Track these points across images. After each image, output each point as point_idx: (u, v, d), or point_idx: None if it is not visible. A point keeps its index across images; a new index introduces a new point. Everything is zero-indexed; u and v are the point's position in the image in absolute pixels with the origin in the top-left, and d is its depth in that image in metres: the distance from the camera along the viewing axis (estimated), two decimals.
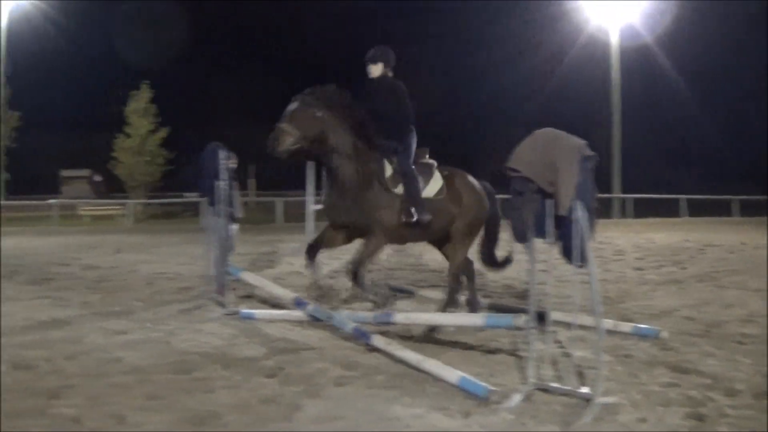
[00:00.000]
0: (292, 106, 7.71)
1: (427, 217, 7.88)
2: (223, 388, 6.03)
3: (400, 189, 7.94)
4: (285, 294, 9.27)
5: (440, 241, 8.93)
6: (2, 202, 42.13)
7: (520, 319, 6.25)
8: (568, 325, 7.60)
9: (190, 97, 62.88)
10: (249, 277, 10.24)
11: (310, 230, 17.24)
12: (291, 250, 18.14)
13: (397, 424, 5.17)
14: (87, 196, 52.94)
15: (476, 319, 7.44)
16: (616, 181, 45.20)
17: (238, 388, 6.06)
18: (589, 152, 5.59)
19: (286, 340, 7.69)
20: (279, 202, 36.82)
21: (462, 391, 5.76)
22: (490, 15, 73.48)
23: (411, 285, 11.46)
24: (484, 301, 9.64)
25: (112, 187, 52.83)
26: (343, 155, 7.83)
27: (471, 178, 8.90)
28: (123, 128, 47.56)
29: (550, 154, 5.61)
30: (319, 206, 20.81)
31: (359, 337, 7.45)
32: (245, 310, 9.15)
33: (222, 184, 9.64)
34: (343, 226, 8.15)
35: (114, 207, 42.65)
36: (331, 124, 7.78)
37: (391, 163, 8.06)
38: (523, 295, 9.17)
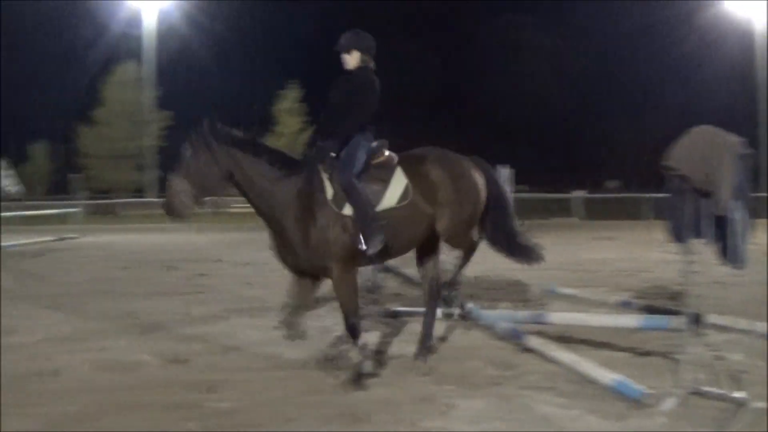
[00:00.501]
0: (182, 155, 6.28)
1: (375, 247, 6.30)
2: (378, 386, 6.15)
3: (348, 209, 6.34)
4: None
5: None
6: (134, 200, 43.85)
7: (676, 321, 6.19)
8: (722, 328, 7.45)
9: None
10: (403, 274, 10.19)
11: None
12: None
13: (552, 425, 5.19)
14: (237, 193, 54.34)
15: (631, 320, 7.34)
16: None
17: (393, 385, 6.17)
18: (746, 150, 5.49)
19: (439, 339, 7.70)
20: None
21: (616, 393, 5.70)
22: (629, 11, 71.83)
23: (567, 285, 11.31)
24: (638, 303, 9.38)
25: None
26: (263, 187, 6.35)
27: (453, 161, 7.08)
28: (272, 127, 48.67)
29: (708, 152, 5.52)
30: None
31: (513, 336, 7.42)
32: (398, 308, 9.15)
33: None
34: (297, 268, 6.62)
35: None
36: (235, 159, 6.29)
37: (330, 179, 6.44)
38: (677, 297, 9.01)
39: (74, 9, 55.55)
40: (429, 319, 7.15)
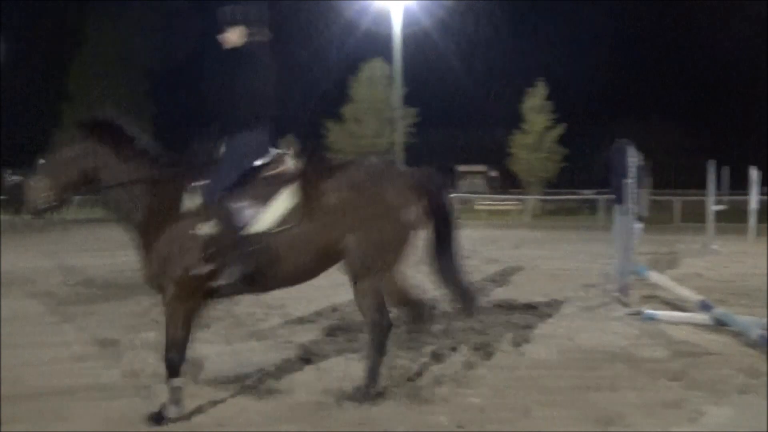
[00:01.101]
0: (49, 150, 5.79)
1: (230, 278, 5.45)
2: (628, 389, 6.20)
3: (207, 227, 5.44)
4: (690, 296, 8.99)
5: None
6: None
7: None
8: None
9: (588, 94, 62.14)
10: (655, 277, 10.02)
11: (710, 232, 16.74)
12: (691, 251, 17.78)
13: None
14: (482, 191, 54.69)
15: None
16: None
17: (643, 389, 6.20)
18: None
19: (690, 344, 7.64)
20: (677, 201, 35.70)
21: None
22: None
23: None
24: None
25: (508, 183, 54.10)
26: (125, 190, 5.65)
27: (369, 174, 5.83)
28: (519, 125, 48.64)
29: None
30: (721, 207, 20.19)
31: (764, 344, 7.23)
32: (648, 311, 9.05)
33: (630, 182, 9.83)
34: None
35: (510, 202, 43.64)
36: (100, 159, 5.66)
37: (194, 190, 5.57)
38: None
39: (324, 8, 57.46)
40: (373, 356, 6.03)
